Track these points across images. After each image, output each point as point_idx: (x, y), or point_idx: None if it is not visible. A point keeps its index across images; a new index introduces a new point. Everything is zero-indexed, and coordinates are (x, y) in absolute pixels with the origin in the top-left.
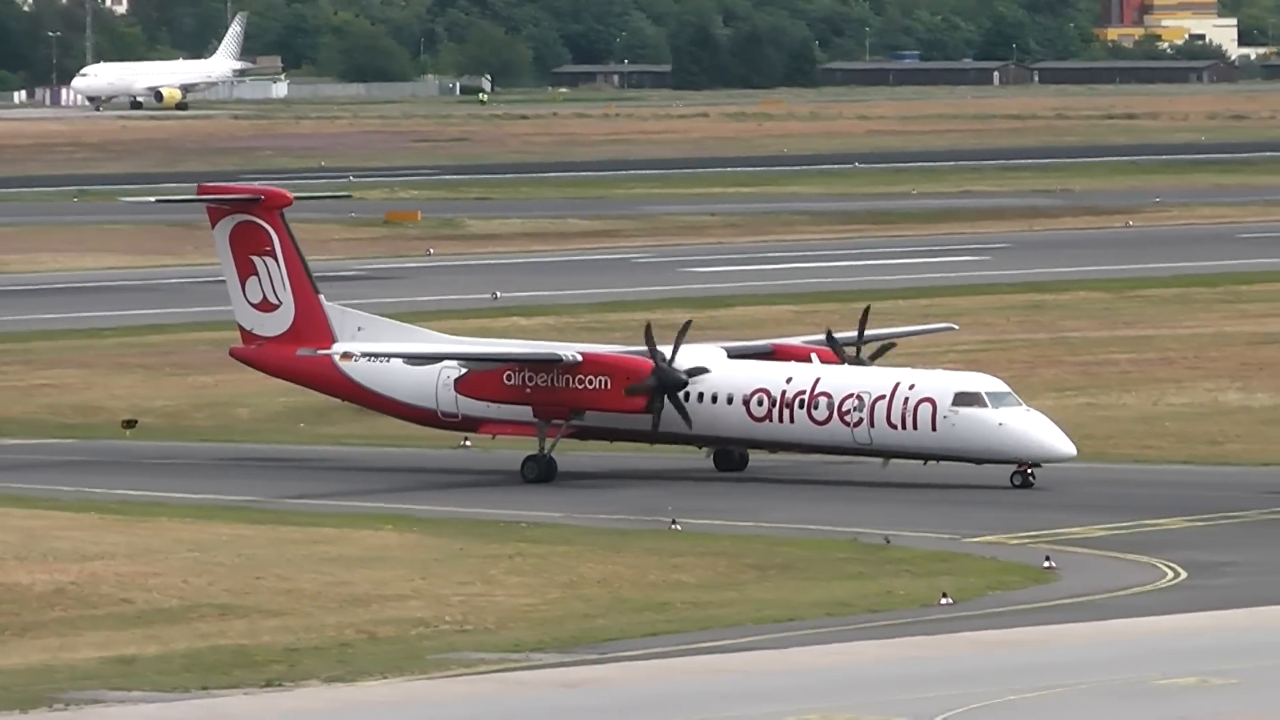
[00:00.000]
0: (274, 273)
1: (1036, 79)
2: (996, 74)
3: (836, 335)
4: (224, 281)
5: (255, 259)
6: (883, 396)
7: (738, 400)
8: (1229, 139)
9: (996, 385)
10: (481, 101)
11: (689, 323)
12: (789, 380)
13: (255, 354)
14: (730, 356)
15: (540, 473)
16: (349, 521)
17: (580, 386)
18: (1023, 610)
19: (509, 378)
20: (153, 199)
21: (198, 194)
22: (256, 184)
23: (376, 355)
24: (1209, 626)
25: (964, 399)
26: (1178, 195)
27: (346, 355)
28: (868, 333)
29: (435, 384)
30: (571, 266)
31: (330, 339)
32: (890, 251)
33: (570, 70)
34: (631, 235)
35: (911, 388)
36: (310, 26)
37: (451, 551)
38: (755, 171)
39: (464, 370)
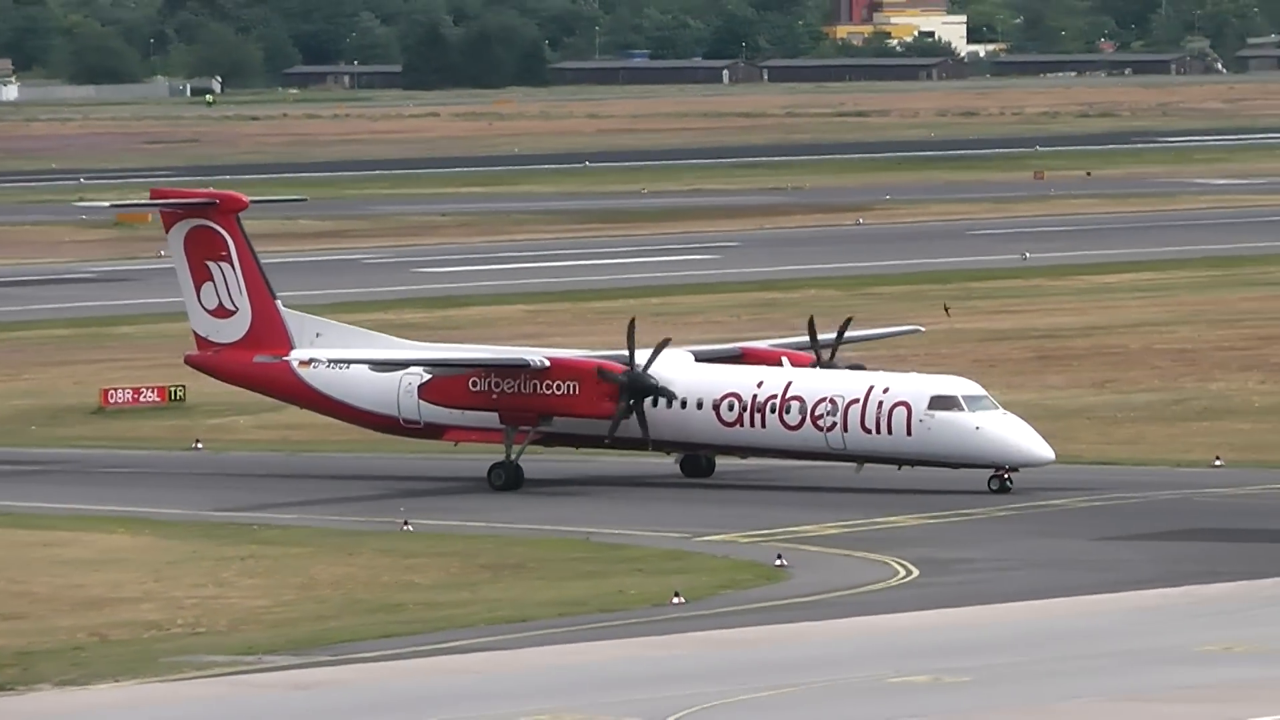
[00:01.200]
0: (230, 278)
1: (766, 77)
2: (726, 72)
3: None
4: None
5: (211, 264)
6: (856, 400)
7: (708, 405)
8: (959, 135)
9: (973, 389)
10: (208, 103)
11: (667, 340)
12: (760, 384)
13: (212, 360)
14: (698, 360)
15: (508, 480)
16: (82, 524)
17: (548, 392)
18: (755, 609)
19: (475, 383)
20: (107, 204)
21: (151, 198)
22: (213, 188)
23: (339, 361)
24: (941, 624)
25: (940, 402)
26: (908, 192)
27: (306, 362)
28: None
29: (397, 390)
30: (303, 267)
31: (288, 345)
32: (622, 250)
33: (301, 71)
34: (363, 235)
35: (886, 391)
36: (40, 28)
37: (185, 554)
38: (487, 171)
39: (428, 376)
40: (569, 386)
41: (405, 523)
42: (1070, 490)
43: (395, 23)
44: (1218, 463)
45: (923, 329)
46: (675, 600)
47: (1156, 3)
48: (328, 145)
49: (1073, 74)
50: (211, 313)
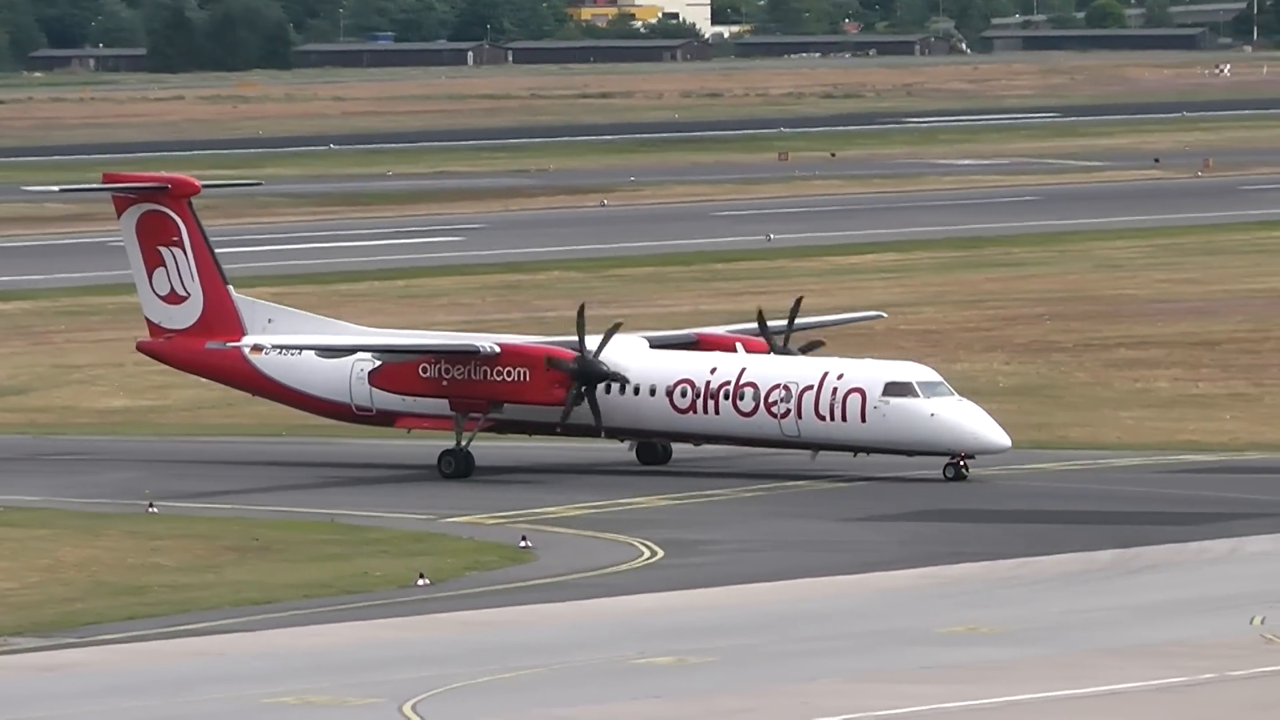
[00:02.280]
0: (182, 263)
1: (511, 59)
2: (471, 54)
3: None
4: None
5: (162, 249)
6: (810, 387)
7: (661, 392)
8: (704, 117)
9: (928, 375)
10: None
11: (618, 324)
12: (713, 371)
13: (163, 348)
14: (652, 346)
15: (458, 467)
16: None
17: (499, 379)
18: (500, 590)
19: (425, 370)
20: (56, 187)
21: (103, 182)
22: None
23: (288, 348)
24: (686, 605)
25: (894, 389)
26: (653, 174)
27: (257, 348)
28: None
29: (349, 377)
30: (50, 250)
31: (240, 331)
32: (367, 233)
33: (46, 55)
34: (109, 219)
35: (840, 377)
36: None
37: None
38: (231, 154)
39: (378, 363)
40: (519, 373)
41: (150, 505)
42: (816, 473)
43: (140, 6)
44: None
45: (885, 314)
46: (420, 582)
47: None
48: (73, 129)
49: (817, 55)
50: (163, 299)
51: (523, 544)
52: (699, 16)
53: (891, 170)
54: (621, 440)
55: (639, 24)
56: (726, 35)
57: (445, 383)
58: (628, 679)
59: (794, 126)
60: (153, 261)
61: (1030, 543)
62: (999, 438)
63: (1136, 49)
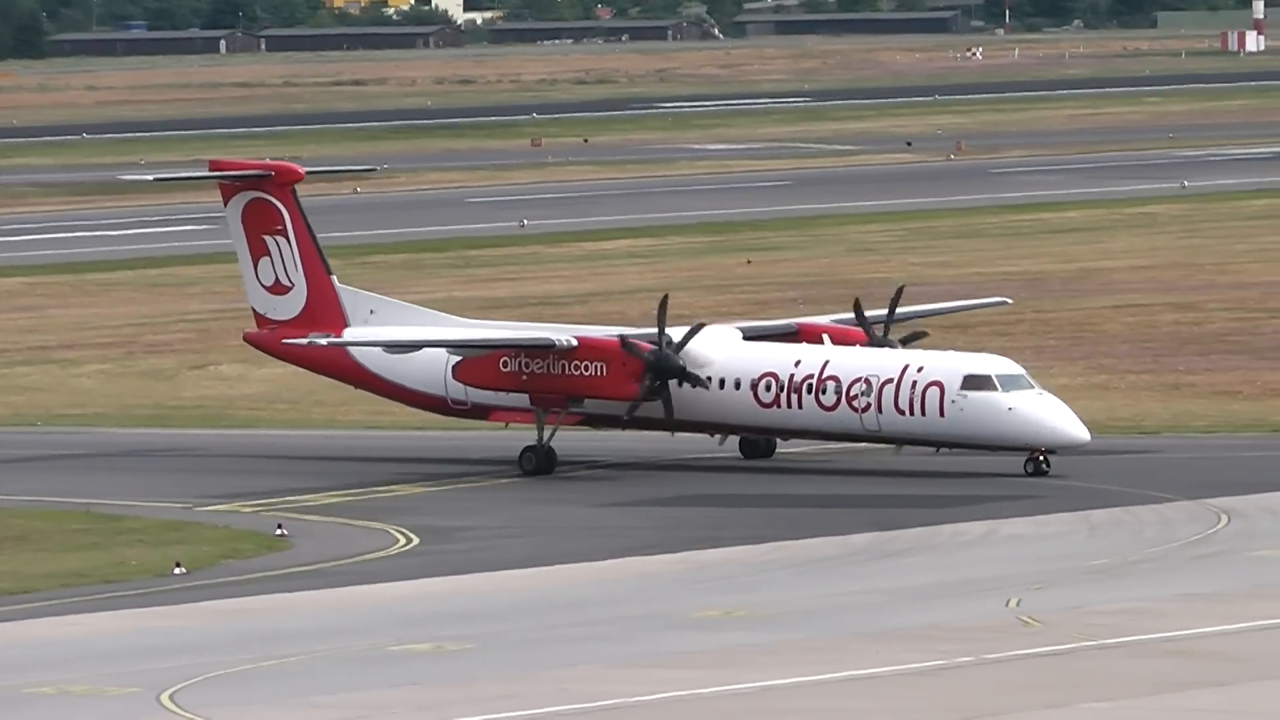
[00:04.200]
0: (286, 253)
1: (264, 47)
2: (224, 42)
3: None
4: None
5: (267, 238)
6: (890, 380)
7: (745, 385)
8: (457, 104)
9: (1010, 368)
10: None
11: (701, 324)
12: (797, 363)
13: (269, 339)
14: (747, 337)
15: (539, 464)
16: None
17: (576, 372)
18: (256, 579)
19: (505, 364)
20: (150, 176)
21: (210, 169)
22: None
23: (350, 344)
24: (443, 592)
25: (973, 382)
26: (407, 161)
27: (313, 344)
28: (900, 311)
29: (445, 371)
30: None
31: (343, 323)
32: (120, 222)
33: None
34: None
35: (920, 370)
36: None
37: None
38: None
39: (458, 357)
40: (597, 367)
41: None
42: (573, 459)
43: None
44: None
45: (1010, 301)
46: (176, 570)
47: None
48: None
49: (570, 41)
50: (269, 289)
51: (279, 532)
52: (451, 3)
53: (645, 155)
54: (712, 434)
55: (392, 11)
56: (479, 22)
57: (525, 377)
58: (386, 666)
59: (547, 113)
60: (258, 250)
61: (787, 526)
62: (1078, 432)
63: (889, 33)
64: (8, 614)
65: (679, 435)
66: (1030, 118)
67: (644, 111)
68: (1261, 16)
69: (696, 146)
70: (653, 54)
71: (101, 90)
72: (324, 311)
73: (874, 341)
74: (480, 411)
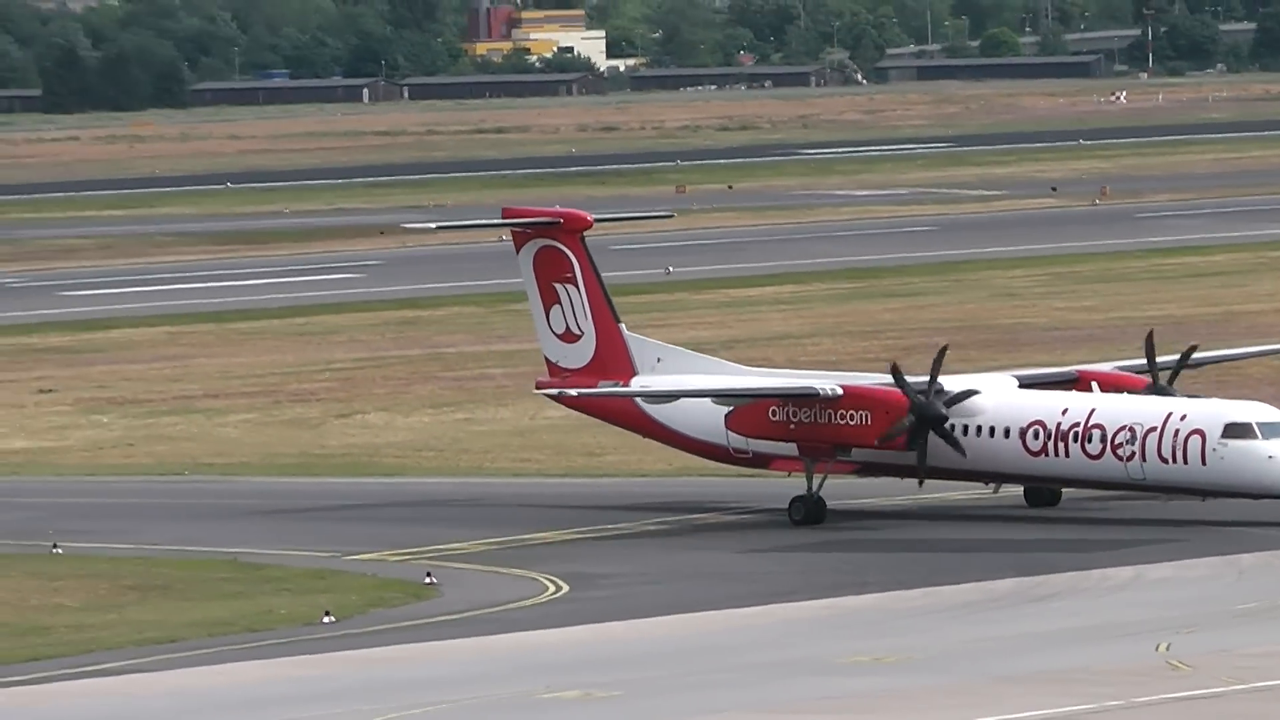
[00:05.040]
0: (576, 301)
1: (406, 95)
2: (365, 90)
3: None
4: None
5: (558, 286)
6: (1154, 429)
7: (1014, 433)
8: (600, 150)
9: (1272, 415)
10: None
11: (945, 349)
12: (1064, 411)
13: (561, 387)
14: (1024, 385)
15: (808, 514)
16: None
17: (842, 422)
18: (404, 627)
19: (774, 413)
20: (434, 225)
21: (503, 217)
22: (558, 206)
23: (597, 395)
24: (591, 639)
25: (1234, 430)
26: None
27: (563, 396)
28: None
29: (724, 421)
30: None
31: (631, 371)
32: (265, 270)
33: None
34: (4, 260)
35: (1184, 418)
36: None
37: None
38: (127, 194)
39: (729, 408)
40: (861, 416)
41: (55, 545)
42: (715, 504)
43: (32, 45)
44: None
45: None
46: (325, 619)
47: (794, 15)
48: None
49: (712, 87)
50: (560, 337)
51: (427, 580)
52: (593, 50)
53: (787, 201)
54: (986, 483)
55: (533, 58)
56: (621, 68)
57: (793, 426)
58: (535, 714)
59: (690, 159)
60: (549, 299)
61: (931, 571)
62: None
63: (1031, 77)
64: (154, 663)
65: (956, 484)
66: (1173, 161)
67: (786, 157)
68: None
69: (839, 192)
70: (795, 100)
71: (243, 139)
72: (613, 360)
73: (1156, 388)
74: (761, 460)
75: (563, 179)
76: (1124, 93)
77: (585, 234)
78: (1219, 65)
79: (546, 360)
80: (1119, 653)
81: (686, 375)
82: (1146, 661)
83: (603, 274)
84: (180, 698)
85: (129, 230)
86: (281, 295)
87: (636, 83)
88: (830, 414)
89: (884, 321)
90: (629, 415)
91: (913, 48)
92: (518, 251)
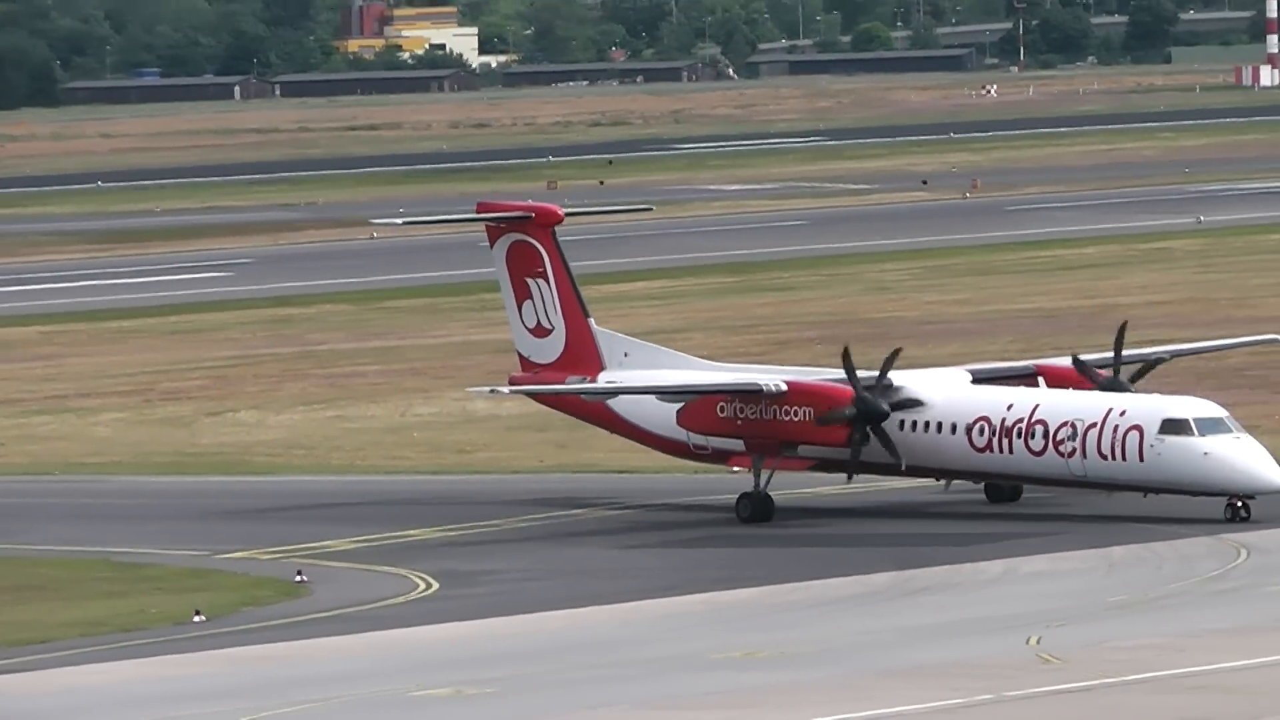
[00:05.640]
0: (546, 295)
1: (279, 93)
2: (238, 88)
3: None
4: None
5: (530, 281)
6: (1094, 425)
7: (960, 429)
8: (472, 147)
9: (1210, 411)
10: None
11: (898, 350)
12: (1009, 407)
13: (531, 383)
14: (978, 380)
15: (755, 511)
16: None
17: (787, 418)
18: (275, 625)
19: (722, 409)
20: (400, 220)
21: (477, 211)
22: (530, 201)
23: (527, 393)
24: (463, 636)
25: (1171, 426)
26: (422, 205)
27: (495, 392)
28: (1134, 352)
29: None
30: None
31: (599, 366)
32: (137, 270)
33: None
34: None
35: (1123, 414)
36: None
37: None
38: (1, 194)
39: (681, 403)
40: (806, 413)
41: None
42: (590, 500)
43: None
44: (735, 470)
45: (1278, 337)
46: (196, 618)
47: (667, 10)
48: None
49: (584, 83)
50: (531, 331)
51: (298, 578)
52: (466, 47)
53: (660, 197)
54: (937, 479)
55: (406, 55)
56: (494, 65)
57: (739, 422)
58: (407, 711)
59: (562, 155)
60: (521, 293)
61: (807, 566)
62: (1274, 477)
63: (903, 71)
64: (28, 663)
65: (907, 479)
66: (1045, 154)
67: (659, 153)
68: (1276, 51)
69: (712, 187)
70: (667, 95)
71: (116, 138)
72: (582, 354)
73: (1103, 384)
74: (721, 456)
75: (436, 176)
76: (995, 86)
77: (556, 228)
78: (1090, 58)
79: (519, 355)
80: (991, 646)
81: (651, 370)
82: (1018, 655)
83: (474, 270)
84: (53, 698)
85: (2, 230)
86: (154, 294)
87: (509, 79)
88: (776, 410)
89: (758, 316)
90: (596, 412)
91: (785, 43)
92: (491, 246)
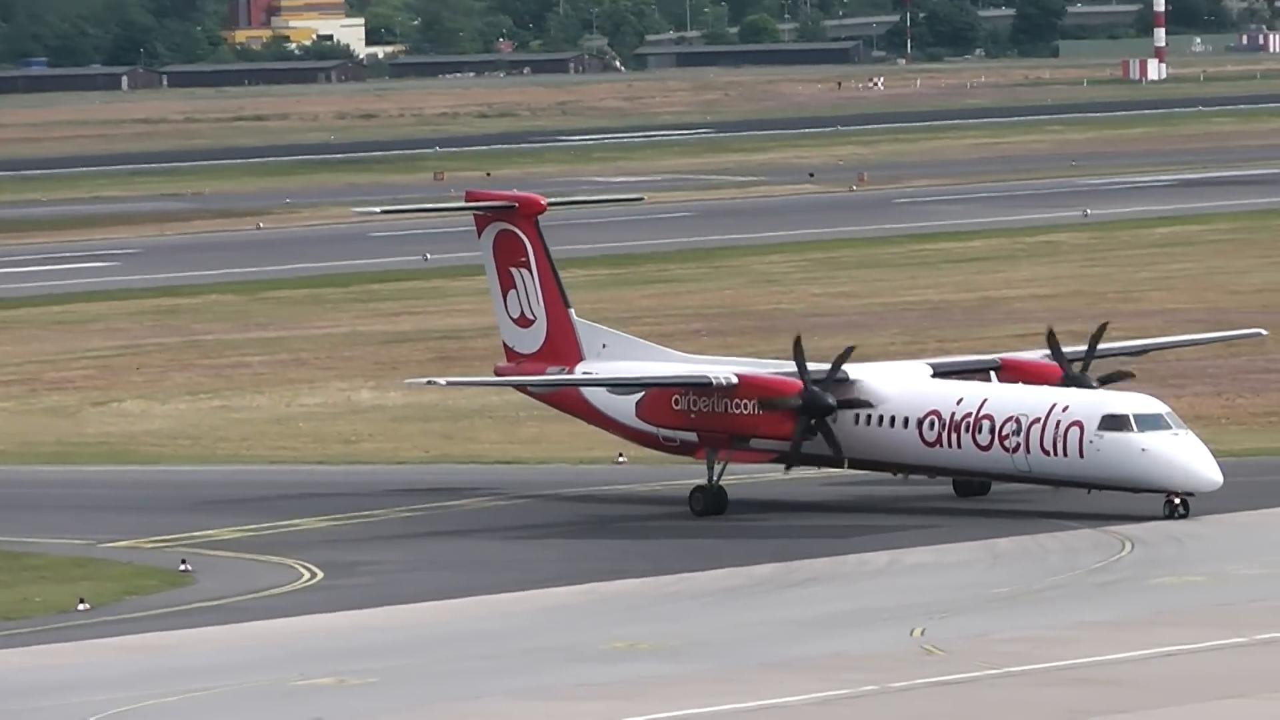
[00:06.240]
0: (529, 285)
1: (166, 83)
2: (125, 79)
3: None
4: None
5: (513, 270)
6: (1038, 420)
7: (912, 423)
8: (359, 138)
9: (1151, 407)
10: None
11: (850, 349)
12: (959, 401)
13: (516, 374)
14: (939, 374)
15: (708, 504)
16: None
17: (737, 411)
18: (159, 614)
19: (676, 402)
20: (379, 209)
21: (465, 199)
22: (515, 190)
23: (464, 384)
24: (347, 626)
25: (1110, 422)
26: (309, 196)
27: (431, 383)
28: (1107, 346)
29: None
30: None
31: (579, 357)
32: (22, 259)
33: None
34: None
35: (1065, 409)
36: None
37: None
38: None
39: (641, 394)
40: (754, 406)
41: None
42: (474, 490)
43: None
44: (620, 460)
45: (1265, 331)
46: (80, 607)
47: (554, 2)
48: None
49: (471, 75)
50: (515, 322)
51: (182, 567)
52: (353, 37)
53: (547, 188)
54: (894, 474)
55: (293, 46)
56: (381, 56)
57: (693, 415)
58: (289, 701)
59: (449, 146)
60: (506, 283)
61: (690, 558)
62: (1210, 474)
63: (790, 64)
64: None
65: (858, 473)
66: (933, 147)
67: (546, 144)
68: (1163, 45)
69: (599, 179)
70: (554, 87)
71: (2, 128)
72: (563, 345)
73: (1068, 378)
74: (688, 449)
75: (323, 167)
76: (883, 79)
77: (539, 217)
78: (978, 51)
79: (504, 345)
80: (875, 638)
81: (628, 361)
82: (902, 646)
83: (359, 261)
84: None
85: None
86: (39, 284)
87: (396, 70)
88: (727, 403)
89: (642, 308)
90: (575, 404)
91: (672, 34)
92: (479, 235)
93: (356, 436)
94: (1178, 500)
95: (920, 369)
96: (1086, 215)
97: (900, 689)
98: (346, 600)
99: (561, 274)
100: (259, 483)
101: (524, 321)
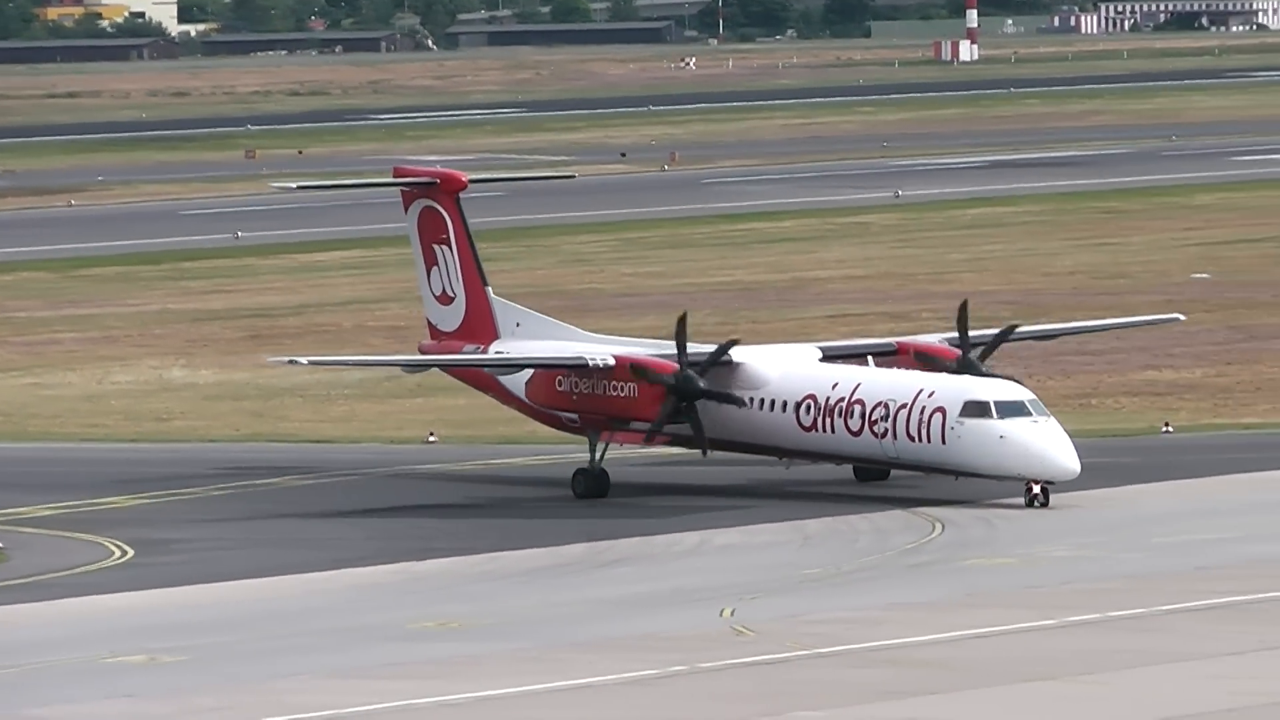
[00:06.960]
0: (450, 263)
1: None
2: None
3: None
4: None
5: (436, 248)
6: (905, 405)
7: (790, 407)
8: (171, 116)
9: (1014, 394)
10: None
11: (734, 340)
12: (834, 385)
13: (438, 351)
14: (828, 357)
15: (588, 487)
16: None
17: (615, 393)
18: None
19: (559, 383)
20: (295, 185)
21: (393, 174)
22: (437, 166)
23: (326, 364)
24: (157, 604)
25: (971, 408)
26: (120, 173)
27: (294, 362)
28: (1030, 329)
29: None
30: None
31: (494, 335)
32: None
33: None
34: None
35: (931, 395)
36: None
37: None
38: None
39: (529, 373)
40: (630, 388)
41: None
42: (285, 469)
43: None
44: (431, 439)
45: (1183, 317)
46: None
47: None
48: None
49: (284, 53)
50: (437, 299)
51: None
52: (165, 15)
53: (358, 167)
54: (780, 458)
55: (106, 23)
56: (193, 33)
57: (575, 396)
58: (100, 678)
59: (261, 124)
60: (429, 260)
61: (500, 537)
62: (1067, 463)
63: (602, 43)
64: None
65: (755, 458)
66: (744, 128)
67: (358, 123)
68: (974, 26)
69: (410, 158)
70: (366, 65)
71: None
72: (480, 323)
73: (960, 362)
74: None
75: (135, 144)
76: (694, 59)
77: (460, 195)
78: (790, 32)
79: (428, 323)
80: (684, 618)
81: (538, 340)
82: (712, 627)
83: (171, 239)
84: None
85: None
86: None
87: (208, 48)
88: (605, 385)
89: None
90: (488, 384)
91: (484, 13)
92: (405, 210)
93: (168, 414)
94: (1037, 488)
95: (810, 352)
96: (898, 196)
97: (710, 669)
98: (158, 578)
99: (374, 253)
100: (71, 460)
101: (445, 299)
